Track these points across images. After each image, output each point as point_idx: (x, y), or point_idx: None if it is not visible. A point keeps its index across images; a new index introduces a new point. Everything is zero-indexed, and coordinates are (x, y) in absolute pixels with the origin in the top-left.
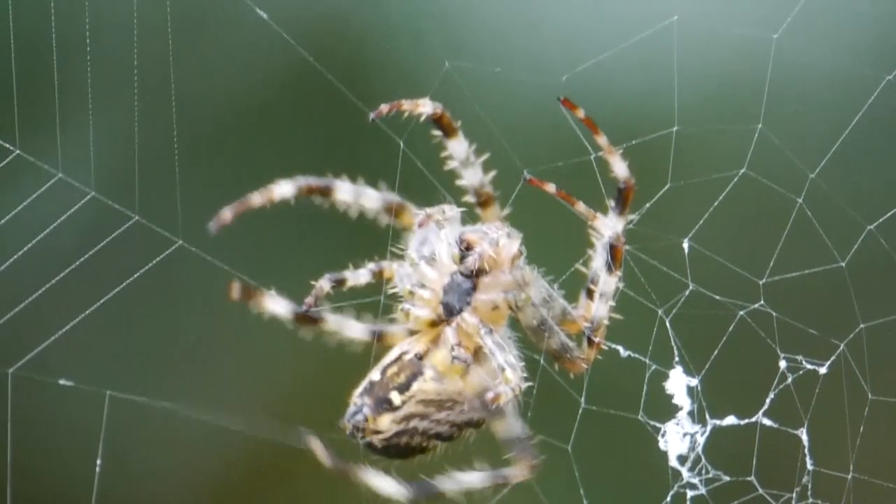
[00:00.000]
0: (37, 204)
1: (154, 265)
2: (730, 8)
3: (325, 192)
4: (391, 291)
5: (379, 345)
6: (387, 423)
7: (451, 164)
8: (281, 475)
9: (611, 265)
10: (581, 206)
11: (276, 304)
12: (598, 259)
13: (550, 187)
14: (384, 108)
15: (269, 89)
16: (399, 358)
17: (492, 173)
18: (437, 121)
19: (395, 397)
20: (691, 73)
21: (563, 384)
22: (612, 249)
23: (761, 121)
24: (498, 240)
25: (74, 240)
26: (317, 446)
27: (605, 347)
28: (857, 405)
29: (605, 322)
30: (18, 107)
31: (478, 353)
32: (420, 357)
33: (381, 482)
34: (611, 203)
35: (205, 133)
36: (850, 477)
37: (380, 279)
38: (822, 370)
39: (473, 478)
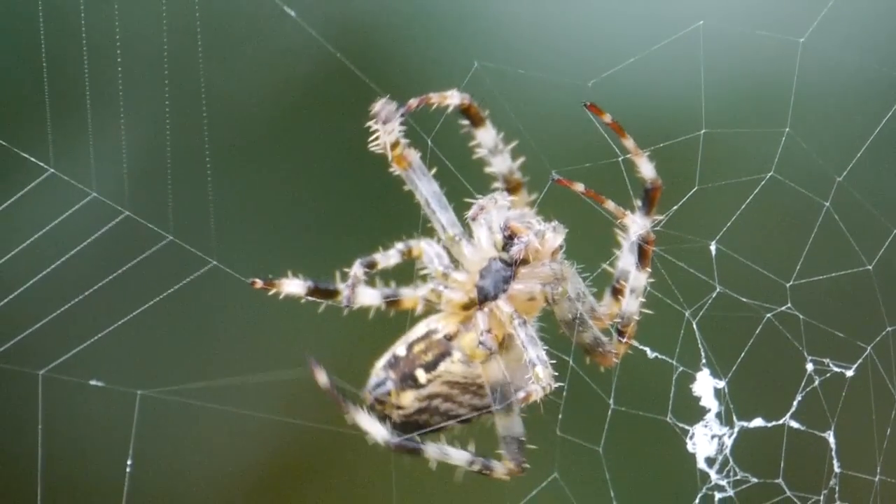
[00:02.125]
0: (69, 217)
1: (182, 273)
2: (756, 12)
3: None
4: (422, 272)
5: (396, 311)
6: (410, 400)
7: (480, 153)
8: (312, 473)
9: (639, 262)
10: (610, 205)
11: (293, 287)
12: (627, 257)
13: (579, 186)
14: (413, 102)
15: (297, 92)
16: (427, 336)
17: (520, 160)
18: (465, 111)
19: (421, 375)
20: (718, 77)
21: (592, 385)
22: (641, 248)
23: (788, 124)
24: (544, 232)
25: (104, 248)
26: (318, 370)
27: (635, 343)
28: (884, 408)
29: (636, 317)
30: (50, 120)
31: (504, 344)
32: (449, 338)
33: (369, 424)
34: (638, 203)
35: (236, 135)
36: (877, 479)
37: (409, 259)
38: (849, 373)
39: (459, 456)
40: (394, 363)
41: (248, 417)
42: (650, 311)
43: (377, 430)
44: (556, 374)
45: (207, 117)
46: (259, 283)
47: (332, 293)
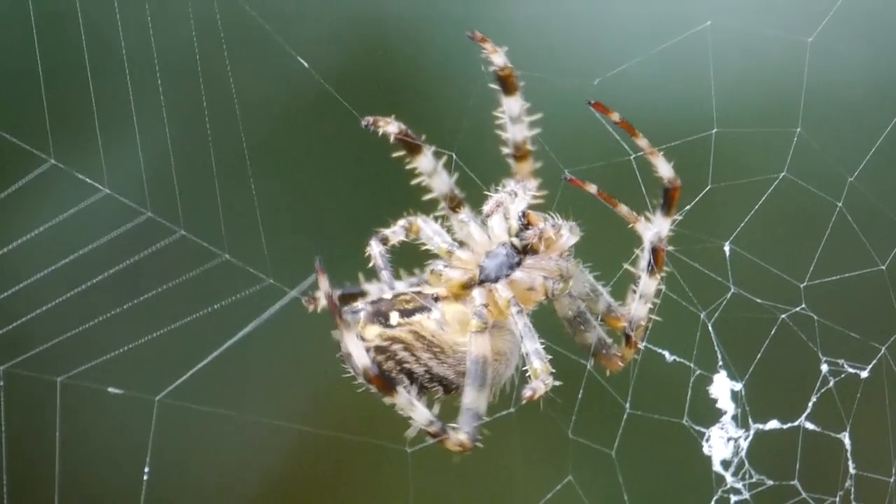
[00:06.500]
0: (81, 217)
1: (200, 275)
2: (763, 12)
3: (414, 149)
4: (424, 248)
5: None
6: (373, 334)
7: (500, 120)
8: (329, 482)
9: (652, 267)
10: (623, 209)
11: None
12: (641, 260)
13: (592, 188)
14: (477, 34)
15: (314, 97)
16: (417, 292)
17: (536, 130)
18: (503, 78)
19: (394, 317)
20: (727, 77)
21: (609, 389)
22: (654, 252)
23: (800, 124)
24: (560, 226)
25: (117, 249)
26: (323, 276)
27: (642, 348)
28: None
29: (643, 323)
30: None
31: (494, 329)
32: (436, 299)
33: (355, 347)
34: (658, 201)
35: (248, 140)
36: (892, 480)
37: (412, 234)
38: (864, 374)
39: (422, 413)
40: (375, 301)
41: (265, 425)
42: (659, 318)
43: (361, 356)
44: (554, 371)
45: (243, 125)
46: (308, 301)
47: (356, 295)
